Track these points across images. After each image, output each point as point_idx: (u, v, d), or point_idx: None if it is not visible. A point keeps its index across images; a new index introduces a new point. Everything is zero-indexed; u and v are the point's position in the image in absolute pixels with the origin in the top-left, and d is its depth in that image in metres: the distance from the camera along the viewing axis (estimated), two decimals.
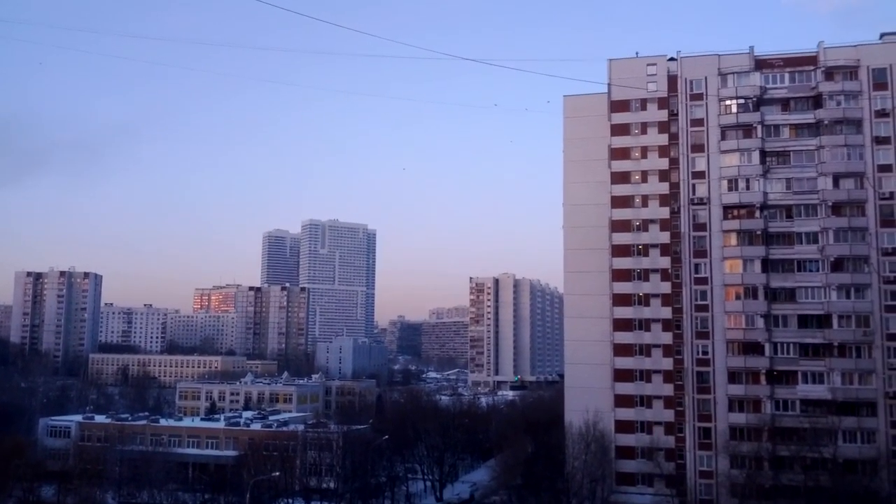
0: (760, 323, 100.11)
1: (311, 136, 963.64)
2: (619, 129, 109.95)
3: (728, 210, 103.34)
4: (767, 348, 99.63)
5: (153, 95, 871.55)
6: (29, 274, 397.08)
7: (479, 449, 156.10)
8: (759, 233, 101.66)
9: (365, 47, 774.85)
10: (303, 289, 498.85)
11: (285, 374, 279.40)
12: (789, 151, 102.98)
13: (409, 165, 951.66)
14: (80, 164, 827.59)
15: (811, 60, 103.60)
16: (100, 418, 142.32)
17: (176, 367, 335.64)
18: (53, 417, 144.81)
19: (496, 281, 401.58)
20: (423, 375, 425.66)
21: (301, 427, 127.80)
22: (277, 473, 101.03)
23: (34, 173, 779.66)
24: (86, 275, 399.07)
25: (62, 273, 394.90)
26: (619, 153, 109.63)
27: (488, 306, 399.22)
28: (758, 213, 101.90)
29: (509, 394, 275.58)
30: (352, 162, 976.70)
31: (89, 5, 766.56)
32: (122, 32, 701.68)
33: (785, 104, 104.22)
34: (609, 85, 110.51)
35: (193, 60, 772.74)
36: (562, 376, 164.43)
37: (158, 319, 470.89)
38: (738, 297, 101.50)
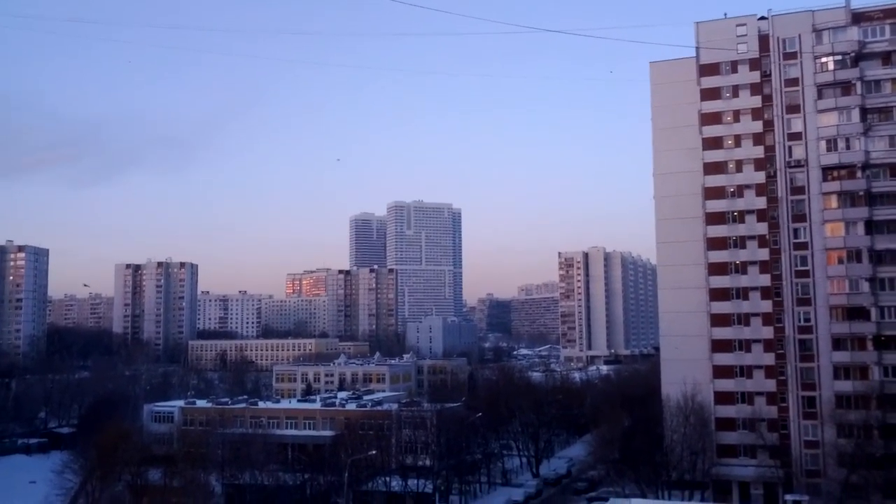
0: (865, 287, 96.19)
1: (392, 118, 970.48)
2: (710, 94, 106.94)
3: (827, 171, 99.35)
4: (874, 313, 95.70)
5: (236, 87, 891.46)
6: (128, 266, 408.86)
7: (575, 424, 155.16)
8: (861, 193, 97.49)
9: (443, 26, 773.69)
10: (391, 270, 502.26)
11: (377, 354, 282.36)
12: (892, 107, 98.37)
13: (491, 142, 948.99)
14: (171, 159, 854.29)
15: None
16: (201, 403, 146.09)
17: (271, 350, 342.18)
18: (157, 403, 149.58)
19: (585, 255, 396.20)
20: (514, 352, 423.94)
21: (395, 406, 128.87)
22: (374, 452, 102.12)
23: (128, 169, 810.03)
24: (182, 265, 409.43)
25: (159, 264, 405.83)
26: (710, 118, 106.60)
27: (578, 281, 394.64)
28: (859, 174, 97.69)
29: (603, 368, 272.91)
30: (434, 142, 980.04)
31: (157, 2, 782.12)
32: (198, 26, 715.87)
33: (886, 58, 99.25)
34: (697, 48, 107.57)
35: (272, 49, 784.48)
36: (657, 349, 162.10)
37: (253, 305, 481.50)
38: (840, 262, 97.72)
